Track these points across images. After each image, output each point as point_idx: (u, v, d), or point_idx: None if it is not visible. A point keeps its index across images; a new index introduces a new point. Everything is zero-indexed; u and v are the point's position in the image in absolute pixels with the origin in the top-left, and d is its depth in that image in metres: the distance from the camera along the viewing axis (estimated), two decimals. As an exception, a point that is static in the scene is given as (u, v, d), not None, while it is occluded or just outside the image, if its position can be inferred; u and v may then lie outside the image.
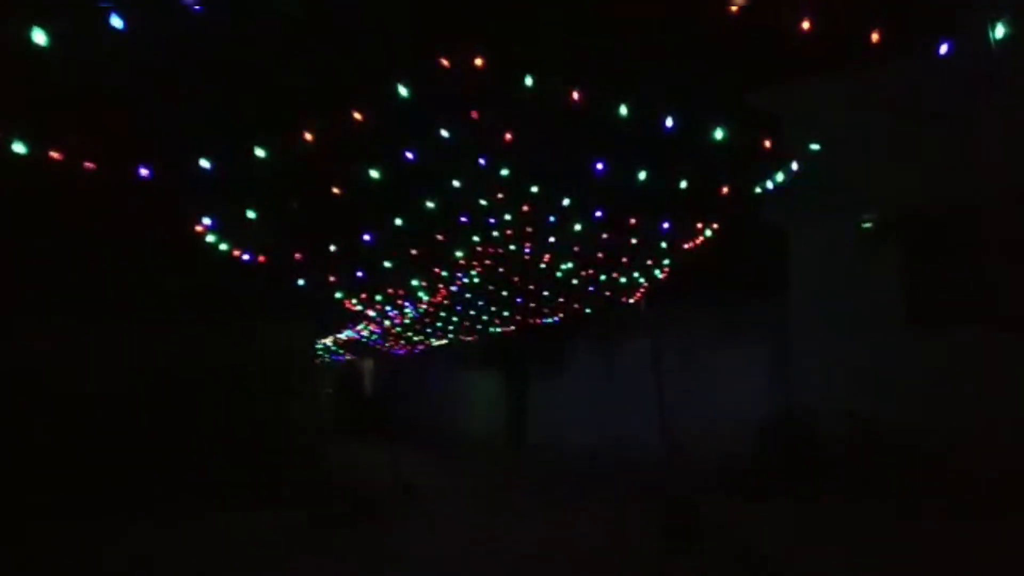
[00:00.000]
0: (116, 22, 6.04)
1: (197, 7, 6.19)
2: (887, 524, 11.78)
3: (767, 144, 11.09)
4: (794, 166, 12.12)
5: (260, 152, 7.91)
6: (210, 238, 10.31)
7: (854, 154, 15.22)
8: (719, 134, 10.04)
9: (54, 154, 6.95)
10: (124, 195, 9.18)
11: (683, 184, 10.85)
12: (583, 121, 9.27)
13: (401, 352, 31.65)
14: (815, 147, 11.85)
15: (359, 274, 13.84)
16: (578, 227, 13.25)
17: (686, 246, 14.73)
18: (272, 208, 9.86)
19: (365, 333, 25.89)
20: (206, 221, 9.69)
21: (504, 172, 11.40)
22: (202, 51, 8.33)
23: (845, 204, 15.63)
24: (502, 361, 27.84)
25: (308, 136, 8.01)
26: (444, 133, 9.60)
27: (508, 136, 9.69)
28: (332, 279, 13.78)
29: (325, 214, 11.56)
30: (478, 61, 8.08)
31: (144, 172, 7.52)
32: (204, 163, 7.77)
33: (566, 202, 12.10)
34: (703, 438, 18.31)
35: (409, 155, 9.63)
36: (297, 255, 11.81)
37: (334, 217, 11.71)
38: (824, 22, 8.77)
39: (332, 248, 11.74)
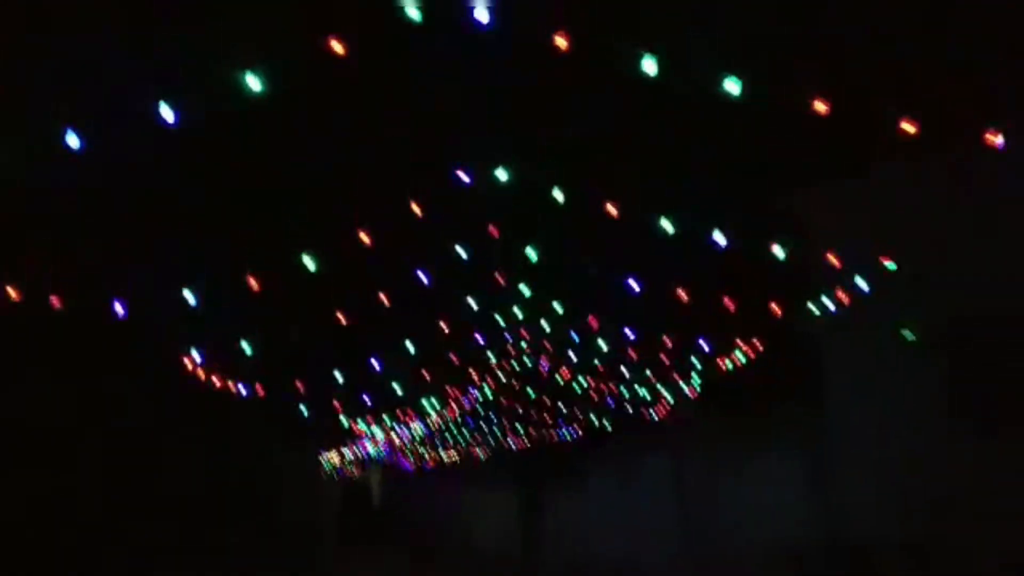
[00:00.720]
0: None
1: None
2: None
3: (830, 259, 9.94)
4: (863, 285, 10.84)
5: (253, 282, 6.79)
6: (201, 373, 9.13)
7: (894, 259, 14.03)
8: (777, 252, 8.90)
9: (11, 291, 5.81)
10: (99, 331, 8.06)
11: (728, 303, 9.70)
12: (617, 232, 8.17)
13: (409, 467, 30.10)
14: (890, 265, 10.51)
15: (366, 398, 12.57)
16: (604, 346, 12.04)
17: (721, 364, 13.49)
18: (271, 338, 8.70)
19: (372, 450, 24.46)
20: (195, 356, 8.50)
21: (526, 291, 10.28)
22: (185, 164, 7.34)
23: (884, 306, 14.33)
24: (516, 475, 26.17)
25: (310, 263, 6.90)
26: (461, 253, 8.49)
27: (532, 255, 8.58)
28: (337, 404, 12.50)
29: (330, 340, 10.38)
30: (501, 175, 7.04)
31: (119, 309, 6.37)
32: (189, 296, 6.65)
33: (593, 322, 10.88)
34: (734, 563, 16.65)
35: (423, 277, 8.48)
36: (299, 384, 10.57)
37: (340, 343, 10.52)
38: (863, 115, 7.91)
39: (337, 375, 10.51)
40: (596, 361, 14.19)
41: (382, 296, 8.43)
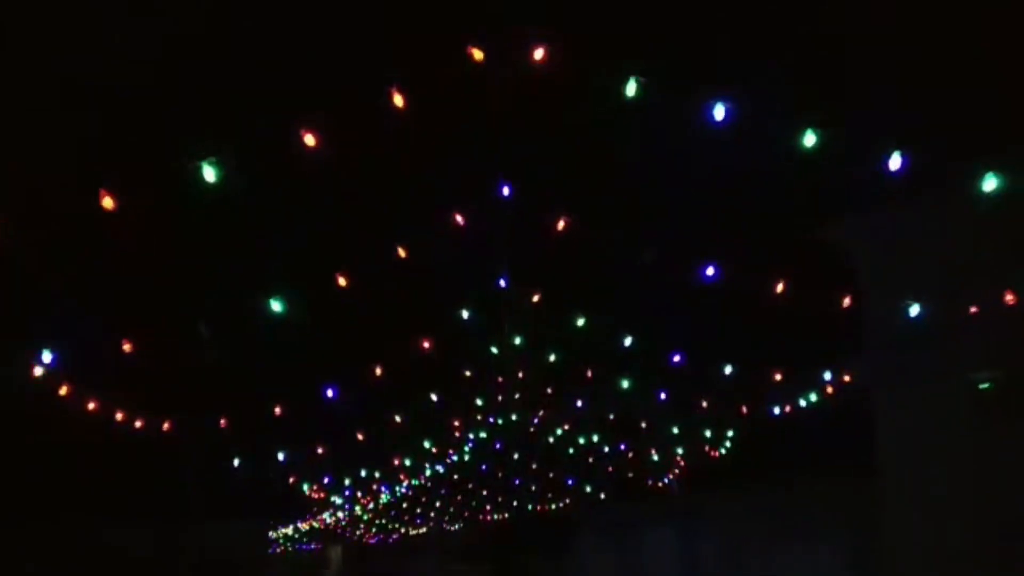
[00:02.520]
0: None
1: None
2: None
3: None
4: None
5: (107, 203, 3.75)
6: (64, 390, 5.89)
7: (962, 295, 11.25)
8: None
9: None
10: None
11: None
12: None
13: (373, 541, 26.61)
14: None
15: (320, 450, 9.33)
16: (626, 384, 8.92)
17: (777, 409, 10.49)
18: (168, 333, 5.61)
19: (331, 521, 21.03)
20: (46, 357, 5.31)
21: (536, 297, 7.24)
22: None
23: (951, 358, 11.46)
24: (492, 552, 22.76)
25: (209, 174, 3.84)
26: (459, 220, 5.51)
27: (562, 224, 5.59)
28: (281, 457, 9.17)
29: (263, 351, 7.27)
30: (538, 53, 4.14)
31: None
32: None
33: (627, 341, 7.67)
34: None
35: (401, 252, 5.48)
36: (222, 420, 7.28)
37: (279, 357, 7.42)
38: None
39: (277, 409, 7.26)
40: (611, 413, 11.15)
41: (340, 281, 5.36)
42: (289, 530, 24.19)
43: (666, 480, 15.61)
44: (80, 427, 6.39)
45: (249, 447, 8.64)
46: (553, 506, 19.43)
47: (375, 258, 5.42)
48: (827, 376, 11.71)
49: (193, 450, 8.32)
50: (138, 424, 6.78)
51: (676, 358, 7.77)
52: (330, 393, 7.09)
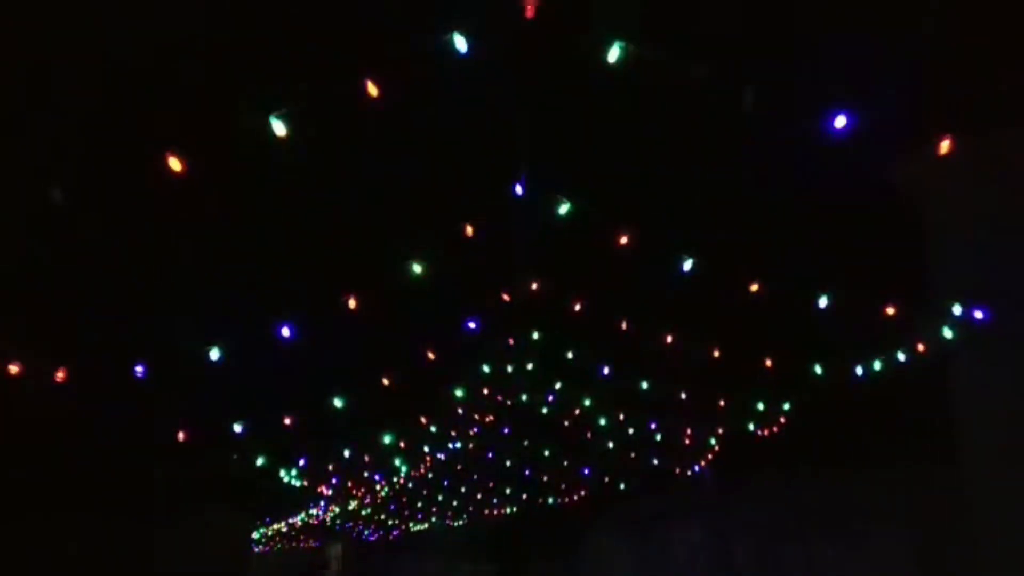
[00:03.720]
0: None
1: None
2: None
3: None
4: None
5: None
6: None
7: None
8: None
9: None
10: None
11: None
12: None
13: (373, 537, 24.69)
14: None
15: (287, 420, 7.33)
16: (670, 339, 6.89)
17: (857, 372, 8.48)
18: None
19: (326, 517, 19.15)
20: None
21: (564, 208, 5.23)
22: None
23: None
24: (497, 549, 20.85)
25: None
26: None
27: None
28: (237, 428, 7.15)
29: (194, 273, 5.32)
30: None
31: None
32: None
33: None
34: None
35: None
36: (138, 367, 5.27)
37: (216, 284, 5.47)
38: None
39: (215, 354, 5.22)
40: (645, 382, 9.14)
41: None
42: (282, 526, 22.27)
43: (698, 468, 13.63)
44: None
45: (184, 409, 6.70)
46: (566, 499, 17.48)
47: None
48: (895, 339, 9.81)
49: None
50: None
51: (754, 286, 5.75)
52: (287, 332, 5.10)
